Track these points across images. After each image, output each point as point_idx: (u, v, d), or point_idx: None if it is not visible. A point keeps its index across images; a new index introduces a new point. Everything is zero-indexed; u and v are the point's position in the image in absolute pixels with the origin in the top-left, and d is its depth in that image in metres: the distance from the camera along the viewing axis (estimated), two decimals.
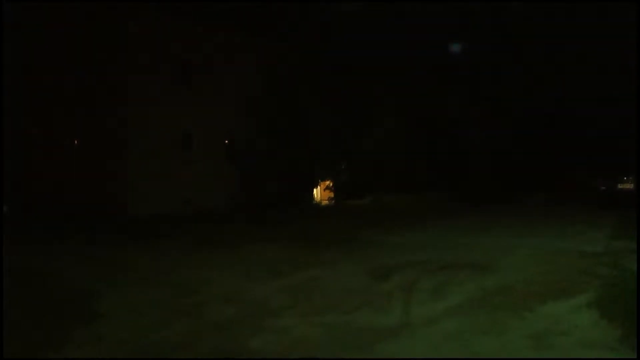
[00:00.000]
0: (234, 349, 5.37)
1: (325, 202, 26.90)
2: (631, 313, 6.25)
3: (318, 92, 24.66)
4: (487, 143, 34.09)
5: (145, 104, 19.90)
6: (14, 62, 21.17)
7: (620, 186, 25.35)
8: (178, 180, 20.81)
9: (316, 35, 25.59)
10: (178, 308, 6.81)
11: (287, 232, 14.76)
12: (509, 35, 32.73)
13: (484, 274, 8.63)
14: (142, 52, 19.86)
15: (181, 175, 20.97)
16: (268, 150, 23.32)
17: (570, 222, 16.45)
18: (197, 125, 21.84)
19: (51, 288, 7.85)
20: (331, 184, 27.24)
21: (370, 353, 5.21)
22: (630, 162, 32.52)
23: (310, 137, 24.37)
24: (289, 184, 24.21)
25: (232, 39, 23.27)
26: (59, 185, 20.78)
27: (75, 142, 20.70)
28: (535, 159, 35.32)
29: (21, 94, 21.77)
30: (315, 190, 27.17)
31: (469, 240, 12.69)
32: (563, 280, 8.11)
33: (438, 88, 31.56)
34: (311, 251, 11.28)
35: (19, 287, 7.72)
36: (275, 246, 11.95)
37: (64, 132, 21.34)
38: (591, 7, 30.77)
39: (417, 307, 6.72)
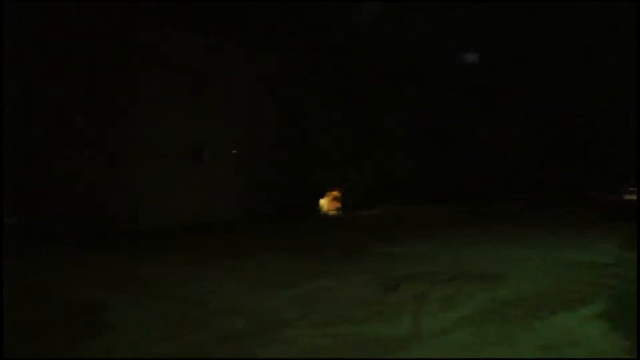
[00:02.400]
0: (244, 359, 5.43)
1: (332, 212, 26.93)
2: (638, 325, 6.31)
3: (327, 102, 24.77)
4: (497, 155, 34.12)
5: (155, 115, 19.99)
6: (25, 72, 21.42)
7: (627, 197, 25.31)
8: (189, 191, 20.88)
9: (326, 46, 25.68)
10: (188, 319, 6.87)
11: (297, 242, 14.81)
12: (512, 42, 32.75)
13: (493, 285, 8.67)
14: (153, 64, 19.99)
15: (192, 186, 21.04)
16: (277, 160, 23.42)
17: (579, 234, 16.42)
18: (207, 136, 21.91)
19: (61, 300, 7.96)
20: (339, 194, 27.28)
21: None
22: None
23: (318, 147, 24.46)
24: (298, 194, 24.28)
25: (242, 49, 23.42)
26: (69, 196, 20.88)
27: (86, 152, 20.80)
28: (545, 172, 35.31)
29: (30, 104, 21.95)
30: (322, 200, 27.20)
31: (479, 252, 12.69)
32: (573, 291, 8.15)
33: (448, 98, 31.64)
34: (321, 262, 11.33)
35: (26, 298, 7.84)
36: (285, 257, 12.02)
37: (74, 142, 21.47)
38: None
39: (427, 318, 6.76)
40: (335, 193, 27.34)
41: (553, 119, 35.82)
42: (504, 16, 30.73)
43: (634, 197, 24.06)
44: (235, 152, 22.91)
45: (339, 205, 27.28)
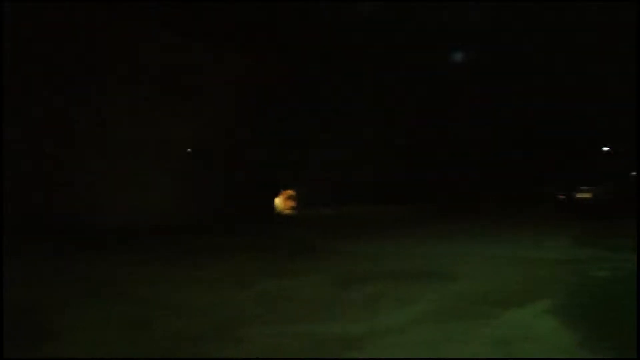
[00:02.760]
0: None
1: (287, 212, 26.86)
2: (590, 319, 6.41)
3: (286, 104, 24.65)
4: (461, 155, 34.53)
5: (115, 112, 19.58)
6: None
7: (578, 195, 25.96)
8: (140, 190, 20.45)
9: (291, 46, 25.49)
10: (143, 321, 6.65)
11: (251, 242, 14.70)
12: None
13: (449, 282, 8.70)
14: (121, 61, 19.55)
15: (143, 186, 20.63)
16: (230, 160, 23.16)
17: (531, 231, 16.71)
18: (171, 136, 21.57)
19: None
20: (293, 194, 27.24)
21: None
22: (590, 171, 33.29)
23: (275, 147, 24.32)
24: (251, 194, 24.08)
25: (208, 49, 23.11)
26: (24, 194, 20.15)
27: (44, 149, 20.08)
28: (500, 170, 35.87)
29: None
30: (277, 199, 27.10)
31: (434, 249, 12.78)
32: (526, 287, 8.25)
33: (416, 100, 31.85)
34: (276, 261, 11.24)
35: None
36: (239, 257, 11.86)
37: (33, 138, 20.72)
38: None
39: (382, 316, 6.72)
40: (290, 192, 27.29)
41: (517, 120, 36.46)
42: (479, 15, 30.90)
43: (587, 195, 24.63)
44: (189, 150, 22.60)
45: (293, 204, 27.25)
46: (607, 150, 39.11)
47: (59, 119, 19.30)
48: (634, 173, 38.03)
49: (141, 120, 20.31)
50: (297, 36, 25.13)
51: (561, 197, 25.70)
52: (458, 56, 33.26)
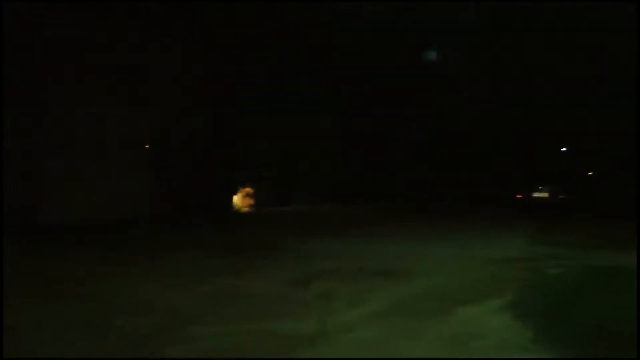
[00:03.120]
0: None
1: (245, 209, 26.62)
2: (543, 314, 6.40)
3: (242, 101, 24.37)
4: (423, 155, 34.73)
5: (64, 107, 19.00)
6: None
7: (535, 195, 26.41)
8: (99, 187, 19.95)
9: (248, 43, 25.16)
10: (91, 320, 6.39)
11: (207, 240, 14.43)
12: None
13: (402, 280, 8.62)
14: (63, 55, 18.96)
15: (102, 182, 20.13)
16: (189, 157, 22.80)
17: (489, 230, 16.86)
18: (119, 131, 21.04)
19: None
20: (252, 191, 27.04)
21: None
22: (545, 170, 33.92)
23: (231, 145, 24.03)
24: (210, 191, 23.75)
25: (157, 43, 22.67)
26: None
27: None
28: (456, 169, 36.23)
29: None
30: (235, 197, 26.82)
31: (389, 248, 12.71)
32: (480, 284, 8.23)
33: (372, 101, 31.86)
34: (230, 259, 11.00)
35: None
36: (194, 255, 11.57)
37: None
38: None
39: (335, 314, 6.57)
40: (249, 190, 27.08)
41: (477, 122, 36.89)
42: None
43: (544, 195, 25.10)
44: (147, 147, 22.16)
45: (252, 202, 27.05)
46: (565, 151, 39.95)
47: (11, 114, 18.67)
48: (591, 173, 39.06)
49: (94, 115, 19.76)
50: (249, 26, 24.84)
51: (519, 196, 26.07)
52: (427, 54, 33.43)
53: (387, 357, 5.17)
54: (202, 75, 23.79)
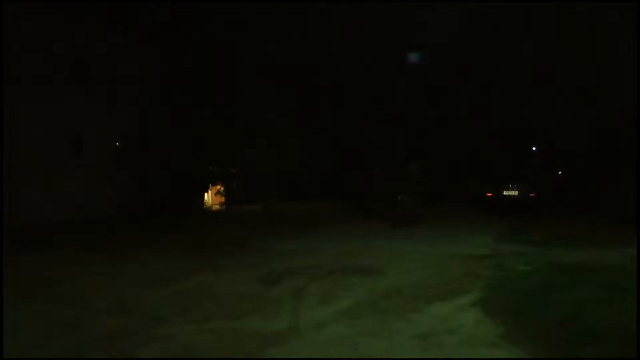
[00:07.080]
0: None
1: (216, 207, 26.45)
2: (513, 311, 6.47)
3: (210, 100, 24.15)
4: (385, 154, 34.73)
5: (31, 103, 18.58)
6: None
7: (505, 193, 26.73)
8: (68, 185, 19.59)
9: (218, 41, 24.92)
10: (61, 320, 6.32)
11: (177, 238, 14.29)
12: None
13: (372, 278, 8.64)
14: (30, 50, 18.55)
15: (72, 180, 19.76)
16: (160, 155, 22.54)
17: (458, 228, 16.97)
18: (89, 128, 20.64)
19: None
20: (222, 189, 26.87)
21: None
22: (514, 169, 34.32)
23: (201, 142, 23.81)
24: (180, 189, 23.52)
25: (128, 40, 22.37)
26: None
27: None
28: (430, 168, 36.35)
29: None
30: (206, 194, 26.63)
31: (358, 246, 12.70)
32: (450, 282, 8.29)
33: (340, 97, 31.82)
34: (201, 257, 10.93)
35: None
36: (165, 253, 11.47)
37: None
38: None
39: (306, 312, 6.58)
40: (219, 187, 26.91)
41: (441, 121, 37.03)
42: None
43: (513, 193, 25.37)
44: (117, 144, 21.87)
45: (222, 199, 26.88)
46: (534, 149, 40.48)
47: None
48: (560, 172, 39.67)
49: (55, 112, 19.38)
50: (208, 25, 24.64)
51: (489, 195, 26.30)
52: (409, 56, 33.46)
53: (359, 354, 5.18)
54: (170, 74, 23.55)
